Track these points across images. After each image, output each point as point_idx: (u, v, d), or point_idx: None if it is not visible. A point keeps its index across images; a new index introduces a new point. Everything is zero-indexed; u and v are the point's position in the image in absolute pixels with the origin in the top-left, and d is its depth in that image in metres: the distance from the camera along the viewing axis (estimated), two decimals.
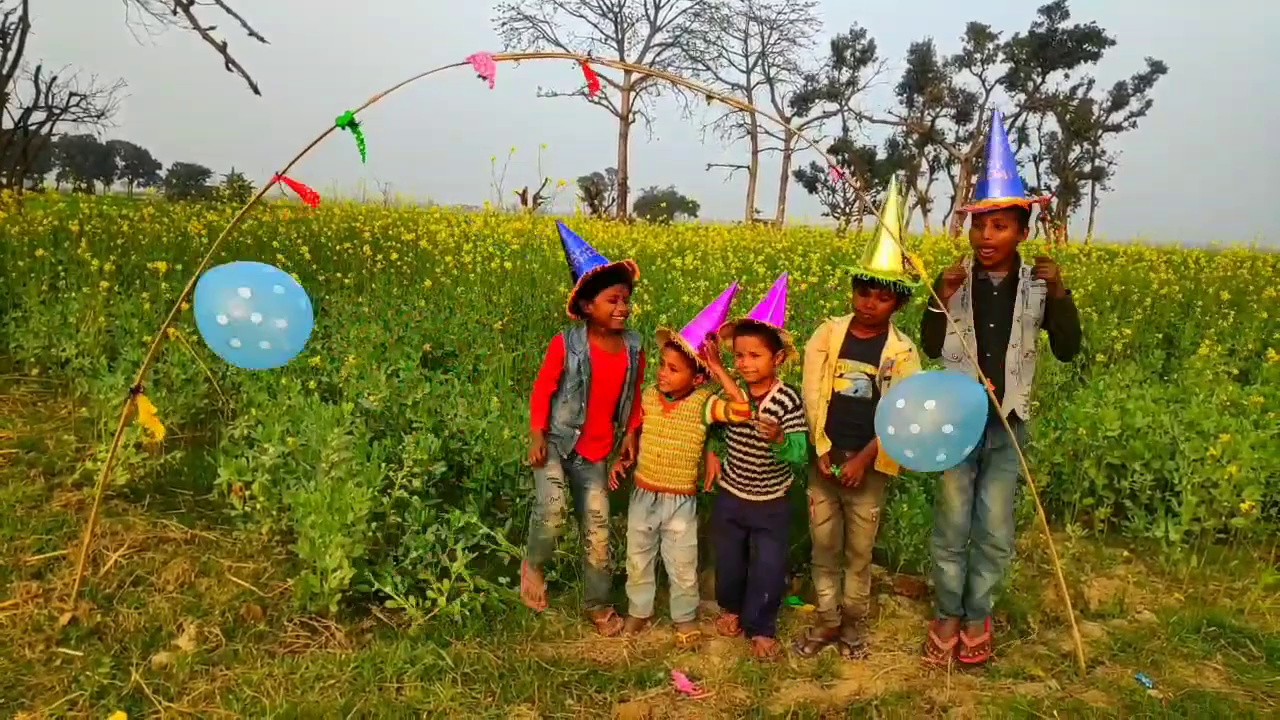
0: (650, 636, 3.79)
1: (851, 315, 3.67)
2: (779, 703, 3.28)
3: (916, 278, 3.44)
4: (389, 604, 3.72)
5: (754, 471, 3.70)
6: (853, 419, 3.56)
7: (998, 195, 3.38)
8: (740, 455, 3.72)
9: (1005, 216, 3.40)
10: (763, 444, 3.63)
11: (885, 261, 3.47)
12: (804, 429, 3.59)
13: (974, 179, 37.52)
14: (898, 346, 3.53)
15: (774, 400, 3.61)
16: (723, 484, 3.81)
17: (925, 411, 3.02)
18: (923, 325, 3.66)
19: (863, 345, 3.59)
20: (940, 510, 3.72)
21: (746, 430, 3.65)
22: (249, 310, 2.88)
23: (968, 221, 3.84)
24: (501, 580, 3.91)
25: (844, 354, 3.60)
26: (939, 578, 3.76)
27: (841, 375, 3.59)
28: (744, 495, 3.73)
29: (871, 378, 3.54)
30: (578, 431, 3.74)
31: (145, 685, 3.07)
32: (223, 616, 3.57)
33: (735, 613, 3.92)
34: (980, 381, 3.26)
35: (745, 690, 3.36)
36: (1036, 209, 3.52)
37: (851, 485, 3.57)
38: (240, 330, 2.88)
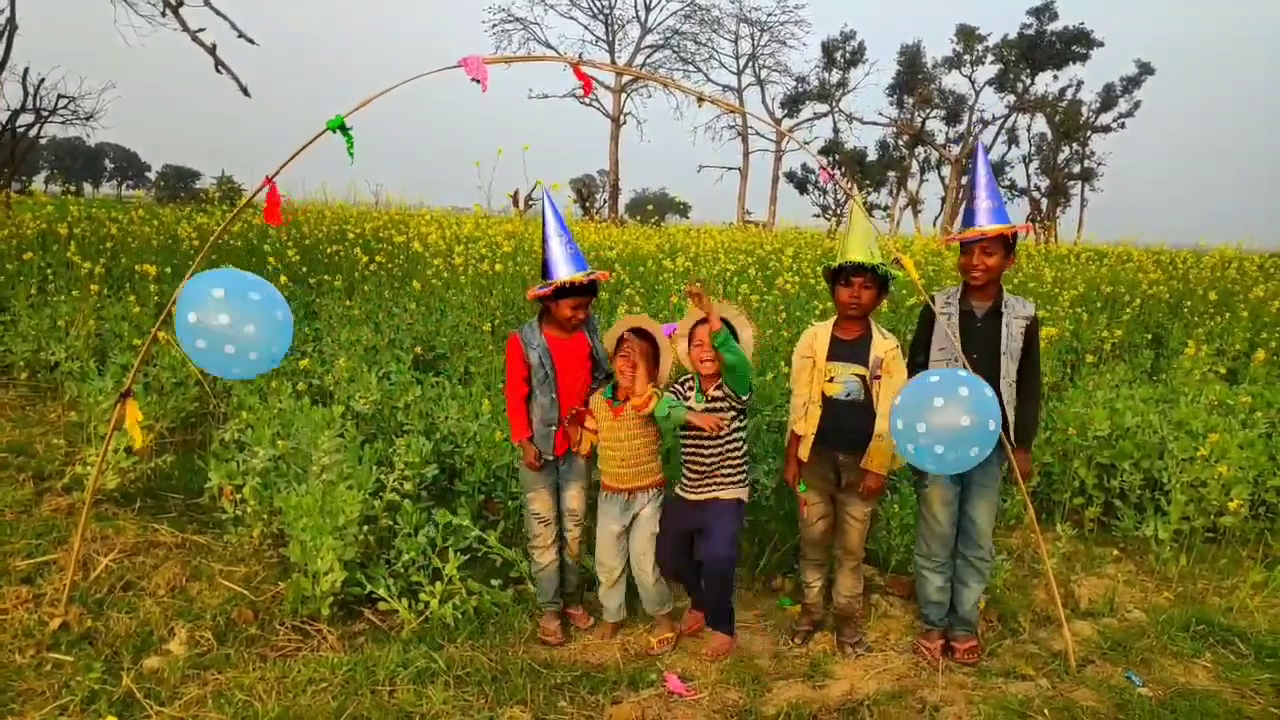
0: (642, 639, 3.79)
1: (833, 319, 3.71)
2: (771, 703, 3.28)
3: (898, 261, 3.49)
4: (381, 606, 3.72)
5: (704, 466, 3.65)
6: (845, 423, 3.58)
7: (985, 224, 3.49)
8: (689, 451, 3.69)
9: (992, 244, 3.50)
10: (708, 438, 3.61)
11: (859, 252, 3.51)
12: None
13: (964, 179, 37.66)
14: (884, 344, 3.57)
15: (718, 385, 3.62)
16: (676, 490, 3.76)
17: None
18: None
19: (849, 346, 3.61)
20: (925, 524, 3.76)
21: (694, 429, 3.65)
22: (232, 319, 2.87)
23: (957, 223, 3.90)
24: (494, 582, 3.91)
25: (831, 357, 3.62)
26: (923, 588, 3.79)
27: (831, 379, 3.60)
28: (692, 496, 3.69)
29: (862, 378, 3.56)
30: (553, 428, 3.70)
31: (136, 690, 3.06)
32: (214, 620, 3.56)
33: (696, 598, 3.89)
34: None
35: (738, 691, 3.37)
36: (1021, 235, 3.62)
37: (873, 494, 3.62)
38: (231, 336, 2.88)
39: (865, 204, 4.06)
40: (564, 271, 3.54)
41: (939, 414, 3.04)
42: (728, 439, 3.64)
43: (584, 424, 3.73)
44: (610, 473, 3.72)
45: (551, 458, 3.73)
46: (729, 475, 3.66)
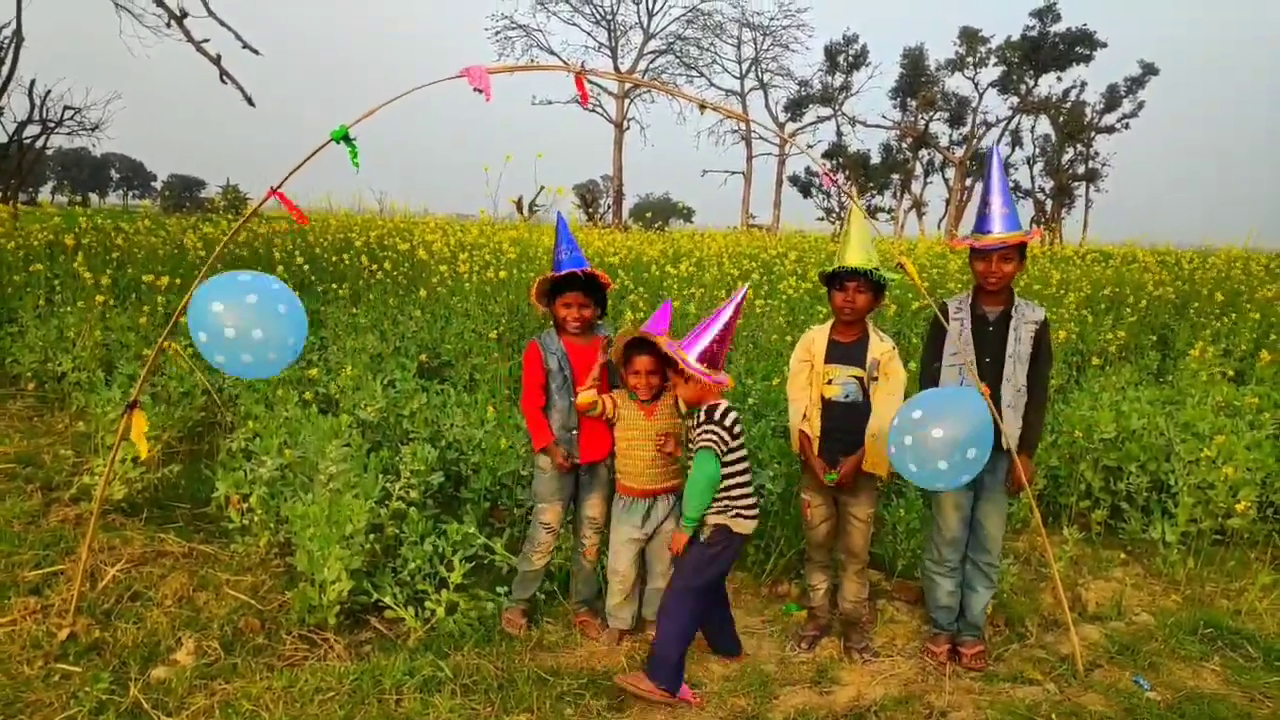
0: (645, 645, 3.79)
1: (830, 323, 3.73)
2: (778, 709, 3.28)
3: (901, 266, 3.50)
4: (388, 615, 3.73)
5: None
6: (844, 424, 3.61)
7: (1001, 230, 3.50)
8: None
9: (1010, 251, 3.53)
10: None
11: (856, 257, 3.53)
12: (710, 445, 3.32)
13: (969, 182, 37.64)
14: (881, 347, 3.62)
15: (705, 412, 3.39)
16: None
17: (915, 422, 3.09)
18: (921, 378, 3.77)
19: (846, 349, 3.65)
20: (936, 528, 3.77)
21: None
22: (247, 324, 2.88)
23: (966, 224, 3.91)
24: (500, 590, 3.92)
25: (829, 359, 3.65)
26: (932, 592, 3.79)
27: (830, 381, 3.63)
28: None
29: (860, 380, 3.58)
30: (574, 432, 3.74)
31: (144, 700, 3.06)
32: (221, 630, 3.56)
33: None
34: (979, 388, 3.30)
35: (745, 698, 3.36)
36: (1035, 239, 3.63)
37: (846, 484, 3.61)
38: (246, 345, 2.89)
39: (868, 207, 4.05)
40: (561, 269, 3.65)
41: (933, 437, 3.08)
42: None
43: (605, 392, 3.70)
44: (636, 474, 3.67)
45: (577, 462, 3.76)
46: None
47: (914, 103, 39.85)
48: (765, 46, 40.78)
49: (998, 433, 3.46)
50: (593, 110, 37.83)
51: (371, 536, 3.83)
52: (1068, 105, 37.55)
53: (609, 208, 37.75)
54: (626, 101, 38.11)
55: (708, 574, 3.42)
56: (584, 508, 3.85)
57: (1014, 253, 3.53)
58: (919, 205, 42.17)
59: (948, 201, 39.27)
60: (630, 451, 3.70)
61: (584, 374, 3.71)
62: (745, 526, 3.43)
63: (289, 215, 3.32)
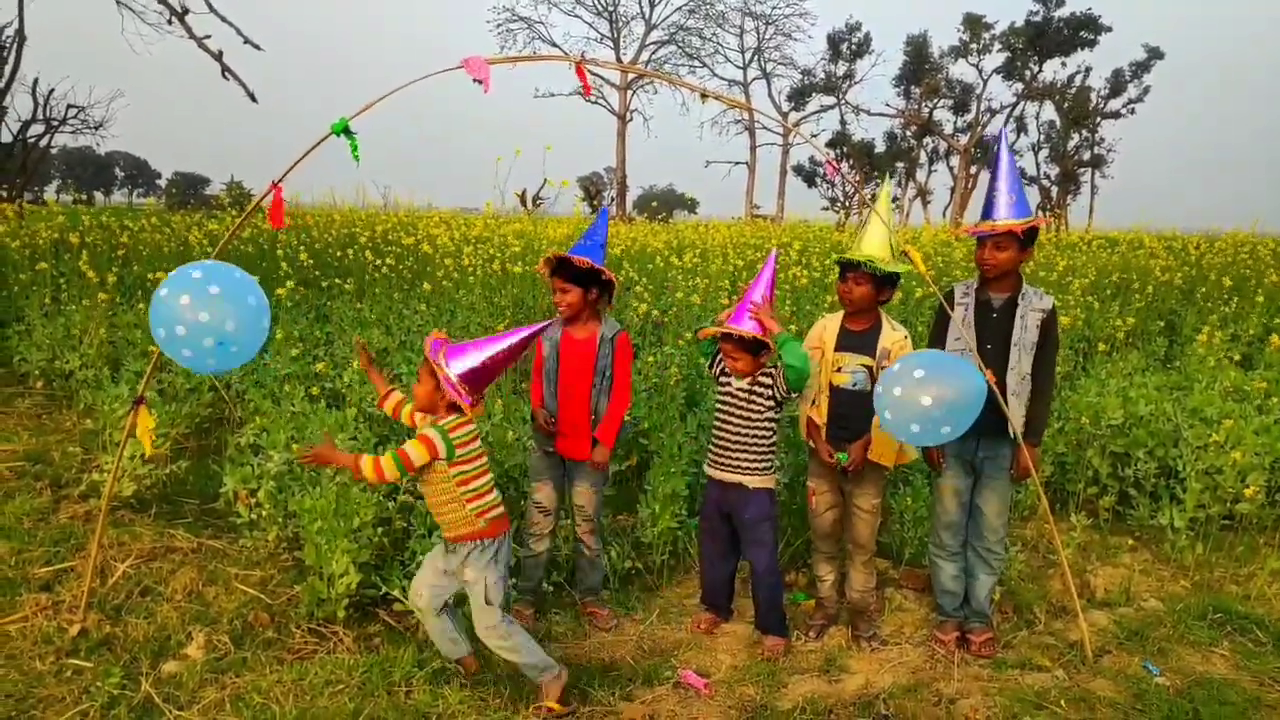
0: (658, 634, 3.80)
1: (843, 310, 3.72)
2: (787, 698, 3.29)
3: (905, 255, 3.48)
4: (396, 608, 3.74)
5: (728, 442, 3.63)
6: (852, 412, 3.60)
7: (998, 218, 3.46)
8: (718, 424, 3.68)
9: (1005, 239, 3.47)
10: (738, 412, 3.59)
11: (864, 248, 3.53)
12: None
13: (974, 169, 37.50)
14: (893, 336, 3.59)
15: (764, 372, 3.57)
16: (706, 468, 3.77)
17: (915, 381, 3.01)
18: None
19: (857, 337, 3.63)
20: (935, 513, 3.78)
21: (725, 395, 3.63)
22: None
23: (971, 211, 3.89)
24: (509, 581, 3.92)
25: (839, 347, 3.64)
26: (937, 576, 3.81)
27: (840, 369, 3.62)
28: (720, 475, 3.65)
29: (869, 369, 3.58)
30: (553, 425, 3.76)
31: (155, 695, 3.08)
32: (231, 624, 3.58)
33: (717, 613, 3.91)
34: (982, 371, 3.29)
35: (753, 687, 3.37)
36: (1041, 226, 3.56)
37: (855, 469, 3.60)
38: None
39: (871, 196, 4.00)
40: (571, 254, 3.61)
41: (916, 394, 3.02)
42: (757, 423, 3.59)
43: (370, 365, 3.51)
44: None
45: (551, 450, 3.79)
46: (754, 460, 3.60)
47: (918, 90, 39.65)
48: (768, 35, 40.68)
49: (1002, 419, 3.45)
50: (595, 102, 37.79)
51: (379, 530, 3.84)
52: (1073, 91, 37.30)
53: (612, 199, 37.69)
54: (629, 93, 38.02)
55: (774, 538, 3.72)
56: (571, 496, 3.89)
57: (1009, 240, 3.46)
58: (924, 193, 42.01)
59: (952, 189, 39.10)
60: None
61: (571, 366, 3.73)
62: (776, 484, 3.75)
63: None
